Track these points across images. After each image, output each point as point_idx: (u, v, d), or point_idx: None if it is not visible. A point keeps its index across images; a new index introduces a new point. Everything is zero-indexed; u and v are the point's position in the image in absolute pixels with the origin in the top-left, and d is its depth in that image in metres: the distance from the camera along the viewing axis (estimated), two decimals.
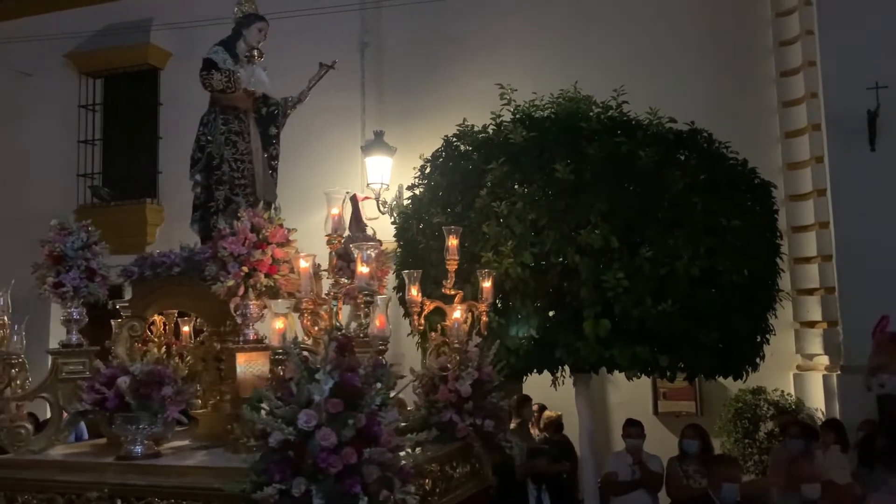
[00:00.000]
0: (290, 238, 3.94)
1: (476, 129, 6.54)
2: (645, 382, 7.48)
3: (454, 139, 6.57)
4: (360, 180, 9.26)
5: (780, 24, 8.34)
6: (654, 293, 5.57)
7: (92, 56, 10.65)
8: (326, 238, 4.21)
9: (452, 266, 4.41)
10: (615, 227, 5.67)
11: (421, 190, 6.53)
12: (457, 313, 4.27)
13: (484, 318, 4.46)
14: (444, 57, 9.26)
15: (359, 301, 3.76)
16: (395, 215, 7.43)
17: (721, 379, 6.43)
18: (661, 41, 8.52)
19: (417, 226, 6.30)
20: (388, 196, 9.06)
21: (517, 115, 6.41)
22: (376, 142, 9.02)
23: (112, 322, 4.28)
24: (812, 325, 7.89)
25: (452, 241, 4.42)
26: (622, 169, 5.81)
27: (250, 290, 3.72)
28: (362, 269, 3.73)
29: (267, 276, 3.76)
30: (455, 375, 4.02)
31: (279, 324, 3.53)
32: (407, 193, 7.16)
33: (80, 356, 4.00)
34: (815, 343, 7.83)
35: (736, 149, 6.44)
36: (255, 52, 4.72)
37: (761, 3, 8.50)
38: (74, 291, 3.99)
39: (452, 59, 9.21)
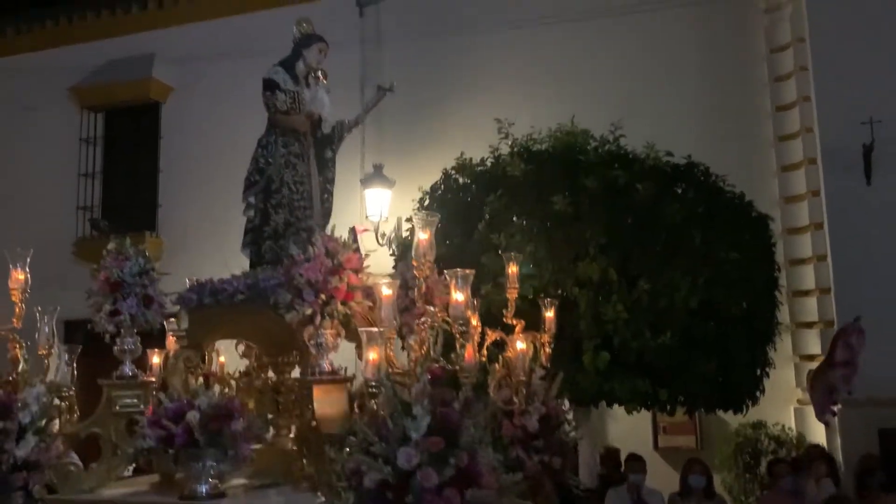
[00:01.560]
0: (365, 264, 3.80)
1: (474, 162, 6.60)
2: (645, 417, 7.43)
3: (453, 172, 6.63)
4: (359, 212, 9.29)
5: (774, 59, 8.45)
6: (652, 325, 5.57)
7: (94, 90, 10.75)
8: (414, 263, 3.88)
9: (513, 295, 4.21)
10: (613, 260, 5.70)
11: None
12: (520, 344, 4.04)
13: (546, 350, 4.23)
14: (442, 91, 9.36)
15: (455, 331, 3.54)
16: (394, 247, 7.44)
17: (721, 413, 6.40)
18: (657, 76, 8.62)
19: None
20: (387, 228, 9.08)
21: (515, 149, 6.47)
22: (375, 175, 9.06)
23: (155, 352, 4.14)
24: (812, 358, 7.86)
25: (512, 269, 4.23)
26: (619, 201, 5.85)
27: (327, 318, 3.55)
28: (457, 297, 3.51)
29: (343, 303, 3.60)
30: (521, 410, 3.82)
31: (373, 354, 3.23)
32: (406, 225, 7.18)
33: (134, 388, 3.78)
34: None
35: (733, 182, 6.50)
36: (320, 73, 4.59)
37: (756, 39, 8.61)
38: (132, 320, 3.77)
39: (451, 93, 9.32)
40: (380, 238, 9.29)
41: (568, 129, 6.62)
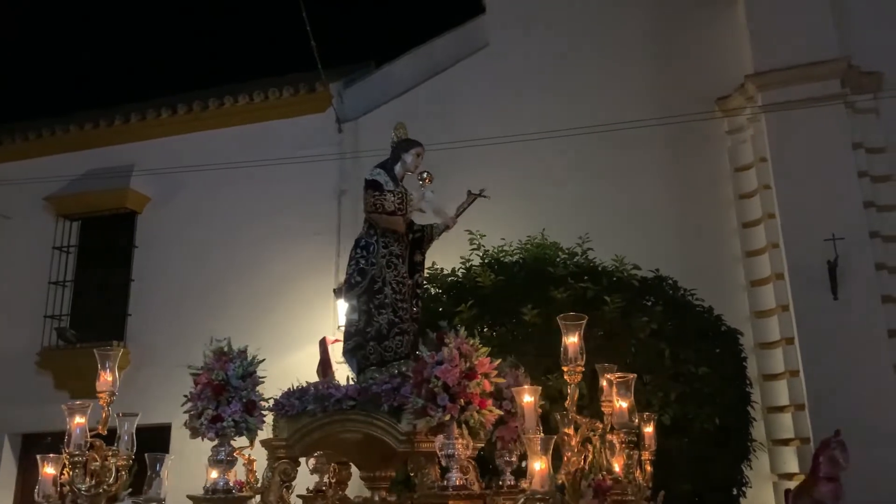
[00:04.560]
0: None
1: (445, 272, 6.61)
2: None
3: (424, 282, 6.62)
4: (332, 323, 9.22)
5: (738, 178, 8.71)
6: None
7: (71, 199, 10.82)
8: (565, 369, 3.79)
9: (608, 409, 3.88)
10: (584, 373, 5.61)
11: None
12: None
13: (648, 468, 3.97)
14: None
15: (617, 440, 3.42)
16: None
17: None
18: (626, 192, 8.83)
19: None
20: None
21: (486, 260, 6.51)
22: None
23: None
24: (790, 476, 7.69)
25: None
26: (588, 314, 5.82)
27: (463, 426, 3.36)
28: (621, 404, 3.37)
29: (478, 410, 3.41)
30: None
31: (540, 464, 3.01)
32: None
33: None
34: None
35: (702, 296, 6.55)
36: (426, 174, 4.59)
37: (721, 158, 8.89)
38: (235, 427, 3.52)
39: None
40: None
41: (538, 241, 6.71)
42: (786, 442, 7.76)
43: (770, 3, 8.32)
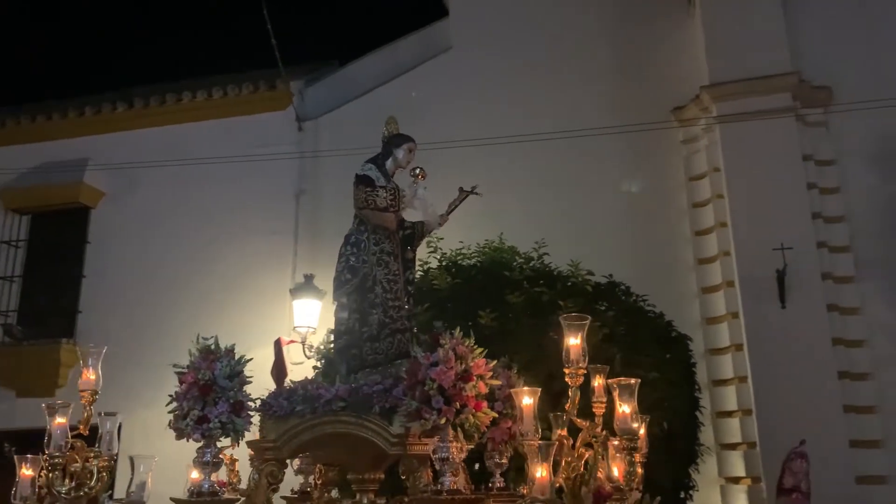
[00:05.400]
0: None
1: None
2: None
3: (415, 279, 6.62)
4: (287, 323, 9.15)
5: (693, 187, 8.87)
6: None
7: (22, 193, 10.58)
8: (567, 371, 3.77)
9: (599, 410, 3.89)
10: (537, 377, 5.67)
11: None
12: None
13: (640, 470, 3.88)
14: None
15: (619, 446, 3.37)
16: (321, 360, 7.31)
17: None
18: (583, 199, 8.93)
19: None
20: (316, 340, 8.94)
21: (444, 263, 6.53)
22: (306, 285, 8.96)
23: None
24: (737, 480, 7.86)
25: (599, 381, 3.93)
26: (543, 318, 5.90)
27: (458, 429, 3.30)
28: (623, 409, 3.32)
29: (473, 413, 3.35)
30: None
31: (542, 471, 2.98)
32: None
33: None
34: (740, 499, 7.77)
35: (654, 302, 6.66)
36: (418, 171, 4.49)
37: (676, 167, 9.06)
38: (222, 428, 3.41)
39: None
40: (307, 350, 9.16)
41: (496, 245, 6.76)
42: (734, 446, 7.92)
43: (726, 17, 8.50)
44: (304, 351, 8.81)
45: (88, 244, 10.49)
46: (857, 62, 8.36)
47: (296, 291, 9.09)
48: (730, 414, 8.04)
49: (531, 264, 6.43)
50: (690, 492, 6.22)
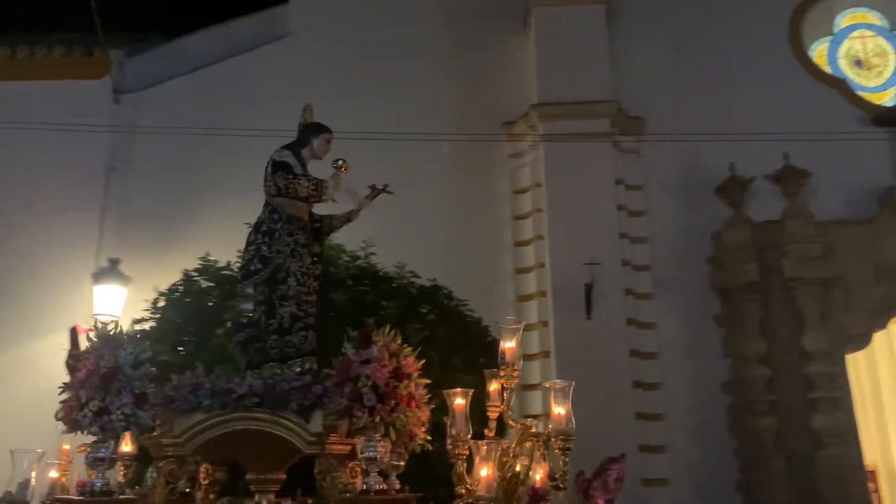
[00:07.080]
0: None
1: (220, 264, 6.33)
2: None
3: (195, 274, 6.29)
4: (87, 310, 8.45)
5: (516, 199, 9.25)
6: None
7: None
8: (502, 373, 3.71)
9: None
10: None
11: (152, 325, 6.08)
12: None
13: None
14: (193, 190, 9.03)
15: (557, 446, 3.38)
16: None
17: None
18: (412, 202, 8.87)
19: None
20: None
21: None
22: (110, 270, 8.39)
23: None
24: None
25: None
26: (365, 318, 5.86)
27: (390, 429, 3.24)
28: (559, 411, 3.32)
29: (405, 412, 3.30)
30: None
31: (486, 470, 2.97)
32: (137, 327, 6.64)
33: None
34: None
35: (473, 307, 6.84)
36: (342, 163, 4.27)
37: (502, 179, 9.36)
38: (126, 421, 3.12)
39: (201, 193, 9.01)
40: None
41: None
42: None
43: (557, 41, 8.95)
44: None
45: None
46: (669, 97, 9.11)
47: (98, 276, 8.47)
48: (536, 417, 8.44)
49: (357, 263, 6.38)
50: None
